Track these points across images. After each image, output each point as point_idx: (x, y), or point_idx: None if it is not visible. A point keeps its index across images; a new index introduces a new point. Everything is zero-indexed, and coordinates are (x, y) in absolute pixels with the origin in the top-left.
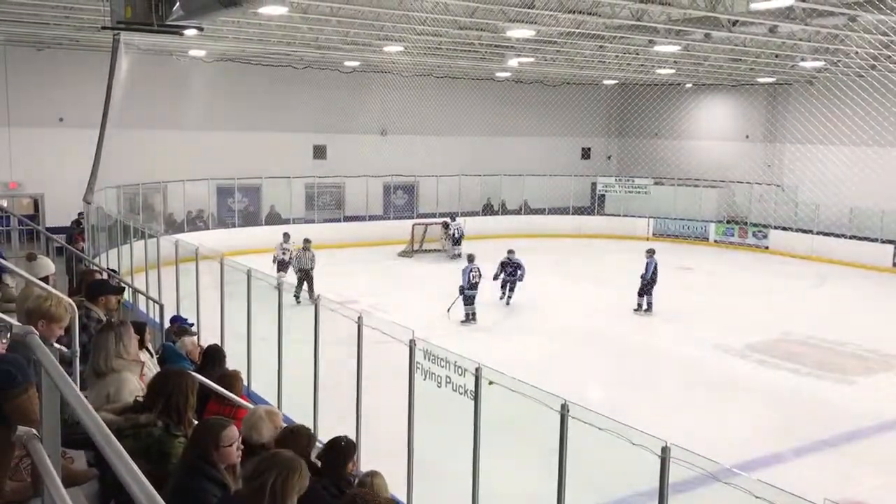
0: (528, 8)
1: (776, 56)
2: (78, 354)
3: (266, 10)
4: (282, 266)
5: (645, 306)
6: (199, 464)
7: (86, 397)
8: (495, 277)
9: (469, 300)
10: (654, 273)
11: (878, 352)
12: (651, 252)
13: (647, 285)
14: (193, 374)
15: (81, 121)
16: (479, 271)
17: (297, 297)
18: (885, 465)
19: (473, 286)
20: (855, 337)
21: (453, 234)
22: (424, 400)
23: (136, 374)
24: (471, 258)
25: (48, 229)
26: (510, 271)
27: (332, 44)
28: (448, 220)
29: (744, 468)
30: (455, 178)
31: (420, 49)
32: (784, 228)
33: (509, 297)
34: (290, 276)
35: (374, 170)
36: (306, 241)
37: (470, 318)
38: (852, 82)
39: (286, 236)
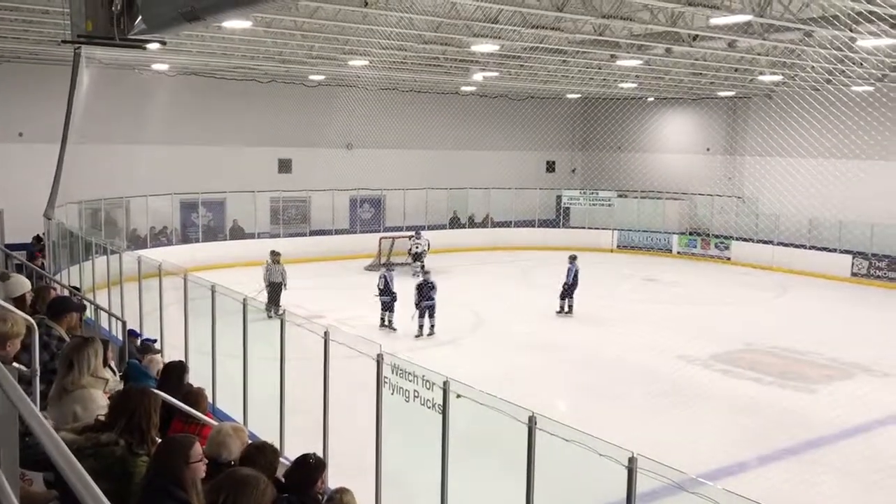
0: (492, 23)
1: (735, 70)
2: (38, 373)
3: (229, 24)
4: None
5: (566, 308)
6: (163, 483)
7: (48, 416)
8: (417, 304)
9: (384, 306)
10: (576, 278)
11: (838, 360)
12: (573, 258)
13: (568, 289)
14: (156, 391)
15: (42, 136)
16: (384, 279)
17: (268, 311)
18: (846, 472)
19: (380, 292)
20: (816, 346)
21: (414, 251)
22: (393, 414)
23: (101, 390)
24: (388, 266)
25: (7, 246)
26: (426, 294)
27: (297, 58)
28: (413, 234)
29: (709, 477)
30: (422, 191)
31: (385, 63)
32: (745, 240)
33: (431, 326)
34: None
35: (340, 183)
36: (276, 253)
37: (384, 323)
38: (809, 96)
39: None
